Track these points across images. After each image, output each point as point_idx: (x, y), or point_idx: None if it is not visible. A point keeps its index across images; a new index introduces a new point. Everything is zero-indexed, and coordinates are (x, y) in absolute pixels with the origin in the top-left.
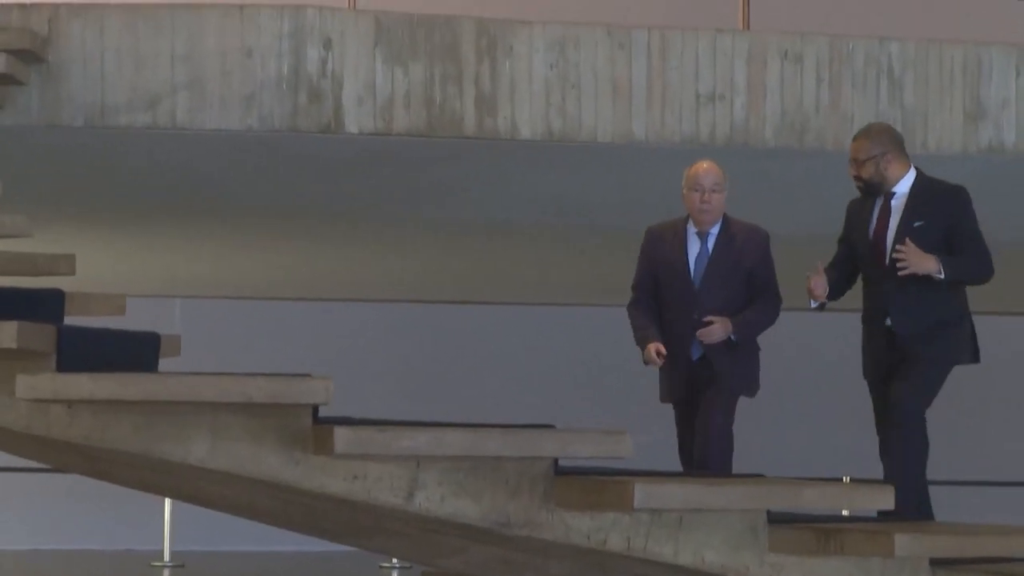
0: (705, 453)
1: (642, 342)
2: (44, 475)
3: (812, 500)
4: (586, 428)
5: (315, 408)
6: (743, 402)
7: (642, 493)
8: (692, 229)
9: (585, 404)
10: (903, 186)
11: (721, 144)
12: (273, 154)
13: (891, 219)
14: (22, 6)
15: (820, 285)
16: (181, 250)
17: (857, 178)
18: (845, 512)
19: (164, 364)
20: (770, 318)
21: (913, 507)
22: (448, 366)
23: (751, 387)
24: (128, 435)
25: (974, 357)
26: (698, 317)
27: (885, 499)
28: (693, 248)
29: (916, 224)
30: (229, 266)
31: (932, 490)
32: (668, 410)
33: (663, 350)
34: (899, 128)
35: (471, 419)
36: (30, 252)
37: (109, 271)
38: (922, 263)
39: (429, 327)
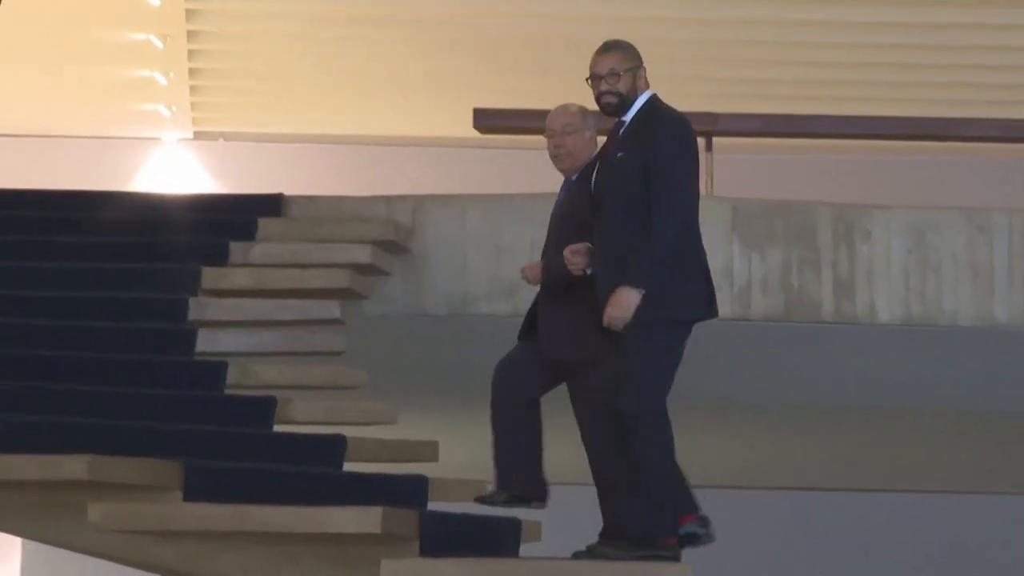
0: None
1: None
2: None
3: None
4: None
5: None
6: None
7: None
8: (565, 178)
9: None
10: (632, 111)
11: None
12: None
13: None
14: (387, 198)
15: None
16: (553, 438)
17: (611, 93)
18: None
19: (525, 549)
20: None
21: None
22: (814, 554)
23: (555, 348)
24: None
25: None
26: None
27: None
28: (560, 196)
29: (619, 155)
30: (579, 452)
31: None
32: None
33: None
34: None
35: None
36: (394, 439)
37: (470, 457)
38: (622, 309)
39: (786, 514)
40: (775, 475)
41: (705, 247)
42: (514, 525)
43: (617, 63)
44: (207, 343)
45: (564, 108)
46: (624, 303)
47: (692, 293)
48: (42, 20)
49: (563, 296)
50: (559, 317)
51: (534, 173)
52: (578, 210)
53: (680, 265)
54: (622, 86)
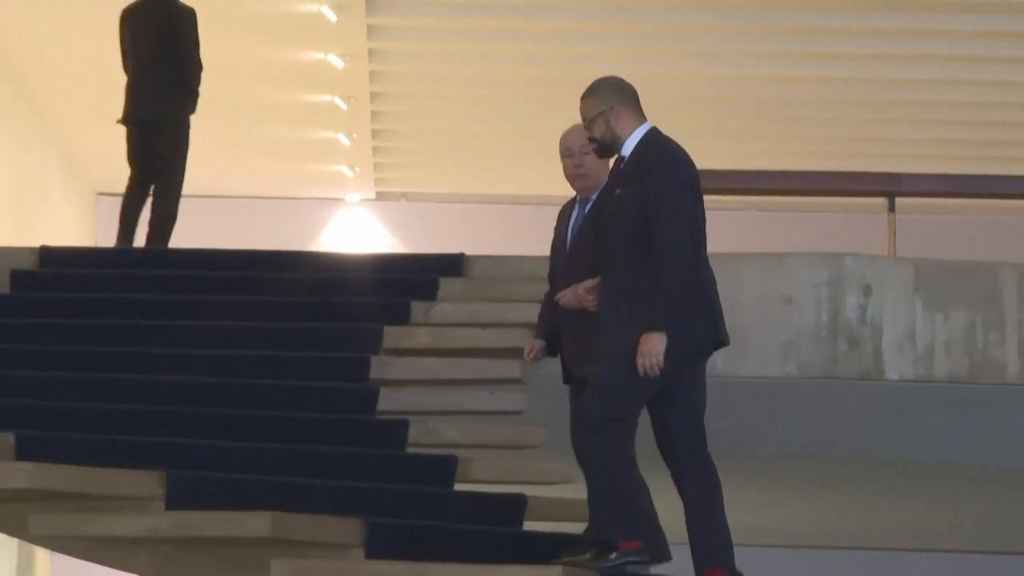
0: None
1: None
2: None
3: None
4: None
5: None
6: None
7: None
8: (579, 198)
9: None
10: (628, 147)
11: None
12: (813, 401)
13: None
14: None
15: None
16: (723, 498)
17: (592, 140)
18: None
19: None
20: None
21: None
22: None
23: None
24: None
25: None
26: (564, 286)
27: None
28: (576, 218)
29: (617, 191)
30: (760, 514)
31: None
32: None
33: (535, 348)
34: None
35: None
36: (573, 499)
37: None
38: (648, 355)
39: None
40: (965, 538)
41: (888, 310)
42: None
43: (587, 111)
44: (388, 402)
45: (581, 127)
46: (648, 349)
47: (690, 322)
48: (228, 84)
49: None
50: (582, 338)
51: (717, 231)
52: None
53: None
54: (596, 131)
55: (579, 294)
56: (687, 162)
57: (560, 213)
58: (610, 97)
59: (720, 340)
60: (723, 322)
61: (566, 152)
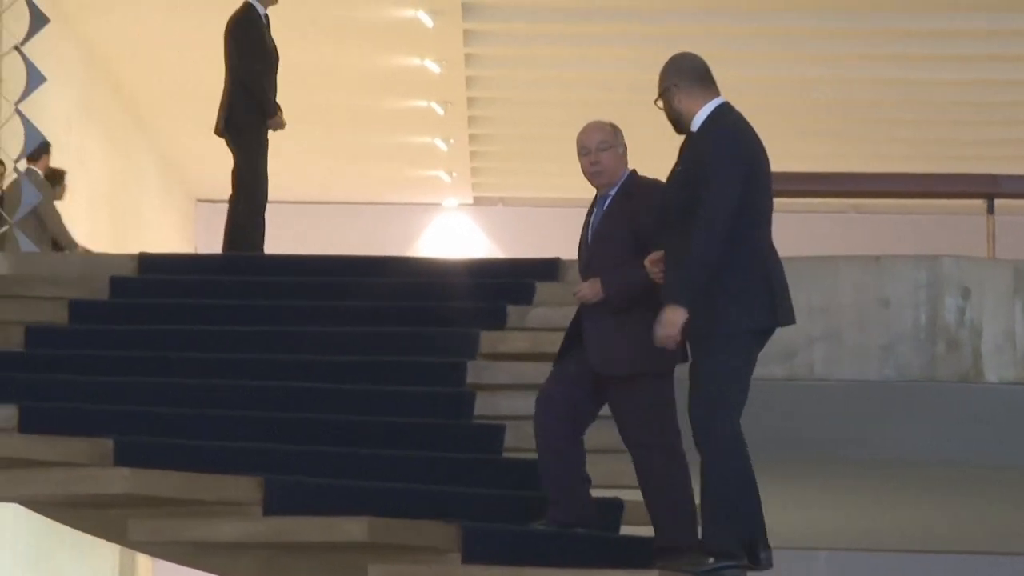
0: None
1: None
2: None
3: None
4: None
5: None
6: None
7: None
8: (598, 195)
9: None
10: (696, 123)
11: None
12: (911, 404)
13: None
14: None
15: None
16: (821, 501)
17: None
18: None
19: None
20: (643, 275)
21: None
22: None
23: (609, 363)
24: None
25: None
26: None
27: None
28: (596, 214)
29: (679, 169)
30: (871, 518)
31: None
32: None
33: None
34: None
35: None
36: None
37: None
38: (663, 326)
39: None
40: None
41: (987, 312)
42: None
43: (657, 87)
44: (485, 407)
45: (597, 125)
46: (665, 320)
47: (748, 304)
48: (328, 90)
49: (612, 311)
50: (608, 332)
51: (815, 232)
52: (619, 228)
53: (733, 277)
54: (665, 110)
55: (647, 266)
56: (744, 140)
57: (588, 210)
58: (670, 76)
59: (779, 321)
60: (786, 302)
61: (583, 150)
